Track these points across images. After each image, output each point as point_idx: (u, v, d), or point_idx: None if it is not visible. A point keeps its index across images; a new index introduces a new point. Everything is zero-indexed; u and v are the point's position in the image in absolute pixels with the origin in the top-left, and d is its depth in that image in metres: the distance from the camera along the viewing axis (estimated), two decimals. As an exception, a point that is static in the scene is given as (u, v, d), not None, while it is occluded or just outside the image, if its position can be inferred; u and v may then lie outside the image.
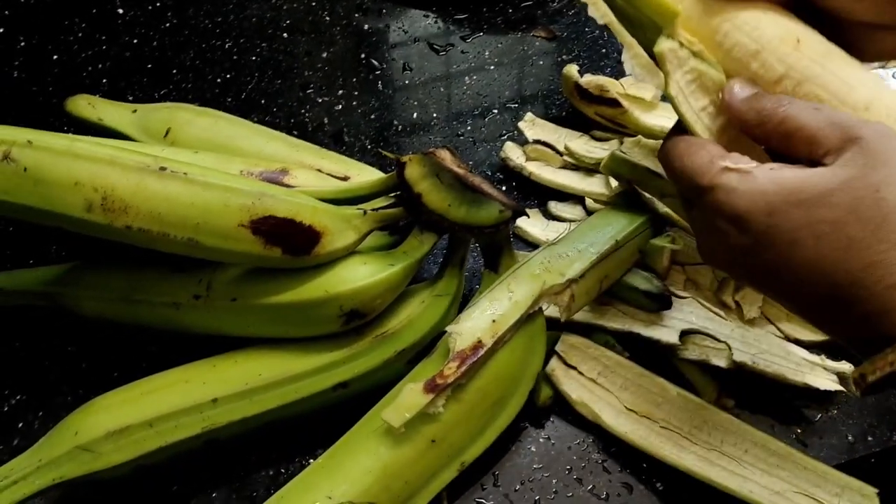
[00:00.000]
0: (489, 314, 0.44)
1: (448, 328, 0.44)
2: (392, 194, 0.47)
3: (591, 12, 0.35)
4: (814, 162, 0.34)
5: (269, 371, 0.45)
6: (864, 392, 0.33)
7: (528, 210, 0.60)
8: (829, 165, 0.32)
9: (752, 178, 0.33)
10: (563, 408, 0.50)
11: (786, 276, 0.34)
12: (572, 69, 0.61)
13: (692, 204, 0.37)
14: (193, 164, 0.42)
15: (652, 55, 0.37)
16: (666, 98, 0.37)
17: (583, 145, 0.60)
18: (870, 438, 0.50)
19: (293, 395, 0.45)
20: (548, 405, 0.50)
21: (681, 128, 0.38)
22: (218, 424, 0.44)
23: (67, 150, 0.39)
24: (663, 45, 0.36)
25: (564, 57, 0.71)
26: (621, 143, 0.58)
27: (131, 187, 0.40)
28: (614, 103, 0.59)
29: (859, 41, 0.38)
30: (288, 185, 0.48)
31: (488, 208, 0.46)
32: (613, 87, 0.59)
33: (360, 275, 0.45)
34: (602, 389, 0.49)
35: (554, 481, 0.48)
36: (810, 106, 0.34)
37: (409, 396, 0.41)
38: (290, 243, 0.43)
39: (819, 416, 0.51)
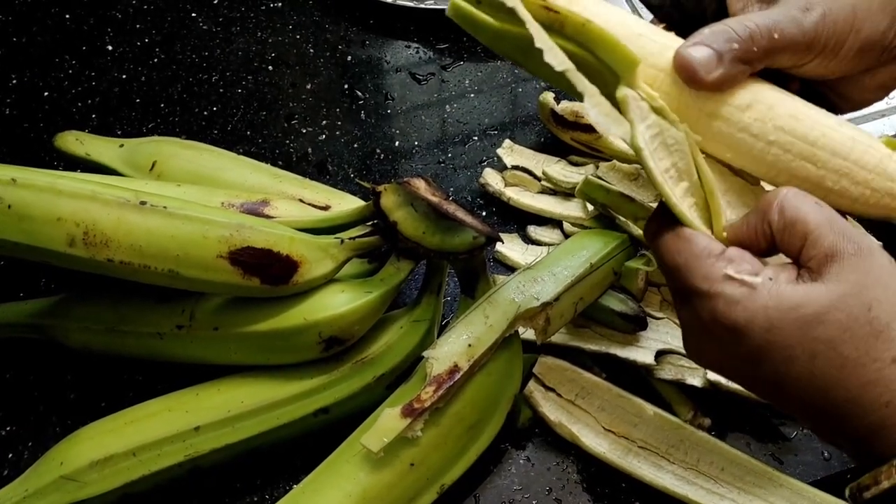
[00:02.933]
0: (465, 339, 0.45)
1: (425, 353, 0.45)
2: (369, 223, 0.48)
3: (548, 59, 0.35)
4: (800, 263, 0.33)
5: (251, 398, 0.46)
6: None
7: (507, 235, 0.61)
8: (824, 281, 0.32)
9: (755, 293, 0.32)
10: (542, 429, 0.51)
11: (781, 388, 0.34)
12: (548, 96, 0.63)
13: (683, 301, 0.36)
14: (174, 198, 0.43)
15: (615, 103, 0.35)
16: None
17: (560, 170, 0.61)
18: (845, 455, 0.51)
19: (275, 421, 0.46)
20: (527, 427, 0.51)
21: (666, 210, 0.36)
22: (201, 452, 0.45)
23: (50, 187, 0.40)
24: (625, 91, 0.34)
25: (541, 84, 0.72)
26: (597, 167, 0.59)
27: (112, 222, 0.41)
28: (589, 129, 0.60)
29: (845, 91, 0.39)
30: (268, 216, 0.49)
31: (462, 235, 0.47)
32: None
33: (338, 302, 0.46)
34: (580, 410, 0.50)
35: (534, 502, 0.49)
36: (812, 200, 0.33)
37: (386, 421, 0.42)
38: (269, 273, 0.44)
39: (794, 433, 0.51)
